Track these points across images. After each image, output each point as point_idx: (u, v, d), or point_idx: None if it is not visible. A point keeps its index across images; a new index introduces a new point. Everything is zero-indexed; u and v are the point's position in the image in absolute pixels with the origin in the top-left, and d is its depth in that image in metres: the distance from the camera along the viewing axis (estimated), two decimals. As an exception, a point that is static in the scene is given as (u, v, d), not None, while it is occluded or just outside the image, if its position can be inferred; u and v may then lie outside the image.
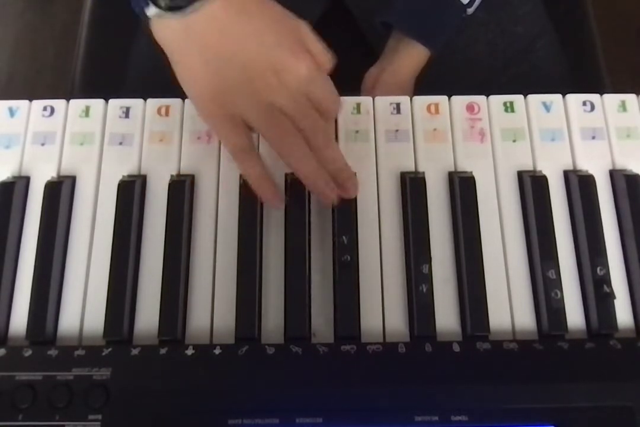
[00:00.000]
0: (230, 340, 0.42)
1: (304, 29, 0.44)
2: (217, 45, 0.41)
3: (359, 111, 0.49)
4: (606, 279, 0.43)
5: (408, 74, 0.60)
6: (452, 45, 0.62)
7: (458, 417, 0.39)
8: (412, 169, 0.47)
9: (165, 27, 0.43)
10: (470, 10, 0.60)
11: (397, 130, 0.48)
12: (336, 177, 0.44)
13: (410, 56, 0.60)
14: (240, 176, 0.46)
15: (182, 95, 0.49)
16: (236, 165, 0.45)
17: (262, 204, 0.46)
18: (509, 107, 0.49)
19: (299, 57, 0.42)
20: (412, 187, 0.46)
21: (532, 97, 0.49)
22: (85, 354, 0.40)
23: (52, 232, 0.44)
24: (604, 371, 0.40)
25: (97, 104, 0.49)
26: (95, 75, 0.70)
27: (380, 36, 0.63)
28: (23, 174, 0.47)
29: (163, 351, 0.41)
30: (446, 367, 0.40)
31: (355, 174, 0.45)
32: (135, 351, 0.40)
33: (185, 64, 0.43)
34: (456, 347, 0.41)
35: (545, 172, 0.47)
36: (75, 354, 0.40)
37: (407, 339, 0.42)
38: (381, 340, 0.43)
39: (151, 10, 0.41)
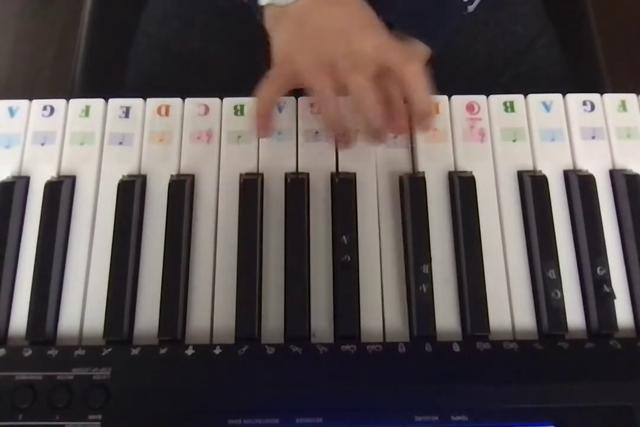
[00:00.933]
0: (230, 340, 0.42)
1: (379, 22, 0.50)
2: (307, 20, 0.49)
3: (359, 111, 0.49)
4: (606, 279, 0.43)
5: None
6: (452, 45, 0.62)
7: (458, 417, 0.39)
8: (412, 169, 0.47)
9: (271, 11, 0.52)
10: (470, 8, 0.60)
11: (397, 130, 0.48)
12: (367, 131, 0.46)
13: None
14: (240, 176, 0.46)
15: (182, 95, 0.50)
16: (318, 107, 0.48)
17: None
18: (509, 107, 0.49)
19: (369, 38, 0.47)
20: (412, 187, 0.46)
21: (532, 97, 0.49)
22: (85, 354, 0.40)
23: (52, 232, 0.44)
24: (604, 371, 0.40)
25: (97, 103, 0.49)
26: (95, 75, 0.70)
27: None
28: (23, 174, 0.47)
29: (163, 351, 0.41)
30: (446, 367, 0.40)
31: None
32: (135, 351, 0.40)
33: (281, 35, 0.50)
34: (456, 347, 0.41)
35: (545, 172, 0.47)
36: (75, 354, 0.40)
37: (407, 339, 0.42)
38: (381, 340, 0.43)
39: (263, 1, 0.51)
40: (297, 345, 0.41)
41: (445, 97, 0.50)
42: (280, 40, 0.50)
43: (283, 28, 0.50)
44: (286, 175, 0.47)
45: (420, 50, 0.55)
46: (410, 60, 0.47)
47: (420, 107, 0.45)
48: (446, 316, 0.43)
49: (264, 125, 0.47)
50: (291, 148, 0.48)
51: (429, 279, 0.43)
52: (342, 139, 0.47)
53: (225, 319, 0.43)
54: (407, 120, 0.47)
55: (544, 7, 0.68)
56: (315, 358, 0.40)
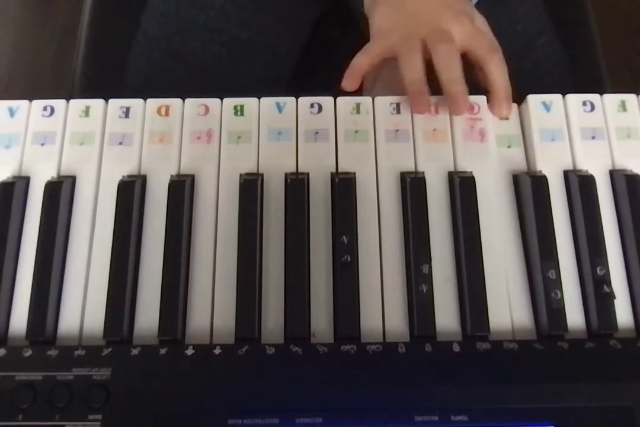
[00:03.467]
0: (230, 340, 0.42)
1: (471, 9, 0.54)
2: (403, 4, 0.54)
3: (358, 111, 0.49)
4: (606, 279, 0.43)
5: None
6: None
7: (458, 417, 0.39)
8: (412, 169, 0.47)
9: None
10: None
11: (397, 130, 0.48)
12: (449, 90, 0.49)
13: None
14: (240, 176, 0.47)
15: (182, 95, 0.50)
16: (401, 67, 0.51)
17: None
18: (509, 107, 0.49)
19: (458, 23, 0.52)
20: (412, 187, 0.46)
21: (531, 97, 0.49)
22: (85, 354, 0.40)
23: (52, 232, 0.44)
24: (604, 371, 0.40)
25: (97, 104, 0.49)
26: (95, 75, 0.70)
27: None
28: (23, 174, 0.47)
29: (163, 351, 0.41)
30: (446, 367, 0.40)
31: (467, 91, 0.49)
32: (135, 351, 0.41)
33: (379, 16, 0.55)
34: (456, 347, 0.41)
35: (545, 172, 0.47)
36: (75, 354, 0.40)
37: (407, 339, 0.42)
38: (381, 340, 0.43)
39: None
40: (297, 345, 0.41)
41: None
42: (378, 20, 0.54)
43: (381, 10, 0.54)
44: (286, 175, 0.47)
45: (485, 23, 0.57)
46: (495, 50, 0.51)
47: (501, 93, 0.49)
48: (446, 316, 0.43)
49: (353, 81, 0.52)
50: (291, 148, 0.48)
51: (429, 279, 0.43)
52: (419, 100, 0.49)
53: (225, 319, 0.43)
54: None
55: (543, 6, 0.68)
56: (315, 358, 0.40)
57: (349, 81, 0.52)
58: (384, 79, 0.59)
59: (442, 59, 0.49)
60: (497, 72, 0.50)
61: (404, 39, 0.51)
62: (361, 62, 0.53)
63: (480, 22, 0.54)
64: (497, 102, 0.49)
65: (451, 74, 0.49)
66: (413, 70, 0.50)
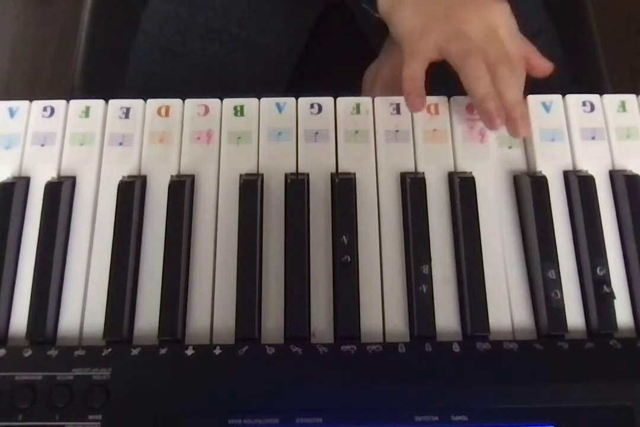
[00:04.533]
0: (230, 340, 0.42)
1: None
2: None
3: (358, 111, 0.49)
4: (606, 279, 0.43)
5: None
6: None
7: (458, 417, 0.39)
8: (412, 169, 0.47)
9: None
10: None
11: (396, 131, 0.48)
12: (509, 111, 0.46)
13: None
14: (240, 176, 0.47)
15: (182, 95, 0.50)
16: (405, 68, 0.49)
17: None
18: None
19: (497, 4, 0.50)
20: (412, 187, 0.46)
21: (531, 97, 0.49)
22: (85, 354, 0.40)
23: (52, 233, 0.44)
24: (604, 371, 0.40)
25: (97, 104, 0.49)
26: (95, 75, 0.70)
27: (380, 36, 0.63)
28: (23, 174, 0.47)
29: (163, 351, 0.41)
30: (446, 367, 0.40)
31: (528, 114, 0.48)
32: (135, 351, 0.41)
33: (405, 12, 0.51)
34: (456, 347, 0.41)
35: (545, 173, 0.47)
36: (75, 354, 0.40)
37: (407, 339, 0.42)
38: (381, 340, 0.43)
39: None
40: (297, 345, 0.41)
41: (445, 97, 0.50)
42: (406, 17, 0.50)
43: (405, 8, 0.50)
44: (286, 175, 0.47)
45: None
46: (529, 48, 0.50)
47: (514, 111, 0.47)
48: (446, 316, 0.43)
49: (419, 101, 0.47)
50: (291, 148, 0.48)
51: (429, 279, 0.43)
52: (494, 116, 0.46)
53: (225, 319, 0.43)
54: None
55: (543, 6, 0.68)
56: (315, 358, 0.40)
57: (417, 100, 0.47)
58: (384, 79, 0.59)
59: (506, 79, 0.47)
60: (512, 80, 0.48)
61: (452, 42, 0.48)
62: (415, 71, 0.48)
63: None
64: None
65: (515, 96, 0.47)
66: (482, 88, 0.46)
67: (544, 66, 0.50)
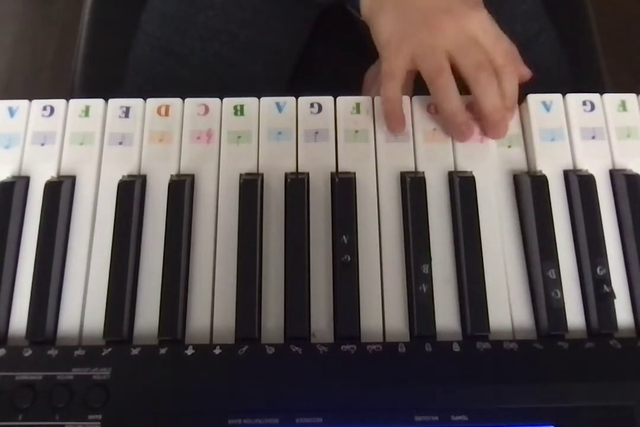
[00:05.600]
0: (230, 340, 0.42)
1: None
2: (409, 2, 0.50)
3: (358, 111, 0.49)
4: (606, 279, 0.43)
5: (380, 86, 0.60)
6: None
7: (458, 417, 0.39)
8: (412, 168, 0.47)
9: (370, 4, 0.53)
10: None
11: (397, 130, 0.48)
12: (487, 117, 0.47)
13: None
14: (240, 176, 0.46)
15: (182, 95, 0.50)
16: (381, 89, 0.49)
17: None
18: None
19: (476, 11, 0.49)
20: (412, 187, 0.46)
21: (531, 97, 0.49)
22: (85, 354, 0.40)
23: (51, 232, 0.44)
24: (604, 371, 0.40)
25: (97, 103, 0.49)
26: (95, 75, 0.70)
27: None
28: (23, 174, 0.47)
29: (163, 351, 0.41)
30: (446, 367, 0.40)
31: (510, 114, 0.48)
32: (135, 351, 0.40)
33: (383, 21, 0.51)
34: (456, 347, 0.41)
35: (545, 172, 0.47)
36: (75, 354, 0.40)
37: (407, 339, 0.42)
38: (381, 340, 0.43)
39: None
40: (297, 345, 0.41)
41: (445, 97, 0.49)
42: (385, 24, 0.50)
43: (385, 14, 0.50)
44: (286, 175, 0.47)
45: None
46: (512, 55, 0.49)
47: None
48: (446, 316, 0.43)
49: (397, 124, 0.48)
50: (291, 148, 0.48)
51: (429, 279, 0.43)
52: (463, 130, 0.47)
53: (225, 319, 0.43)
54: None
55: (543, 6, 0.68)
56: (315, 358, 0.40)
57: (396, 123, 0.48)
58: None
59: (481, 87, 0.47)
60: (511, 84, 0.48)
61: (426, 57, 0.48)
62: (392, 91, 0.48)
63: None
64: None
65: (488, 103, 0.47)
66: (451, 105, 0.47)
67: (523, 73, 0.50)
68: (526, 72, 0.50)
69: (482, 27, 0.49)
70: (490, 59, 0.48)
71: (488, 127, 0.47)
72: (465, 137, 0.47)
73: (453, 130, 0.48)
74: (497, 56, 0.48)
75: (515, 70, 0.49)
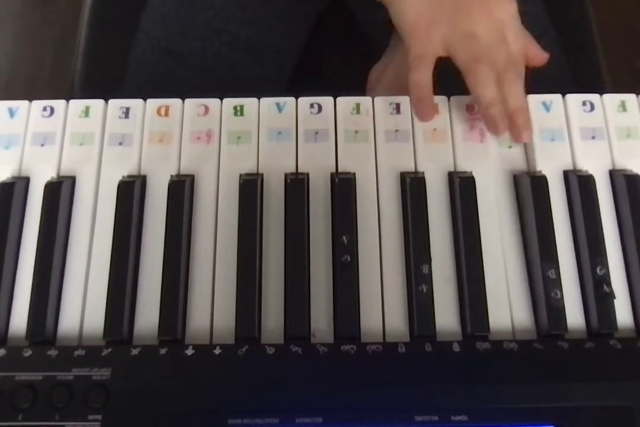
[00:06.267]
0: (230, 340, 0.42)
1: None
2: None
3: (358, 111, 0.49)
4: (606, 279, 0.43)
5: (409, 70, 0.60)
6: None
7: (458, 417, 0.39)
8: (412, 169, 0.47)
9: None
10: None
11: (396, 131, 0.48)
12: (513, 116, 0.47)
13: None
14: (240, 176, 0.46)
15: (182, 95, 0.50)
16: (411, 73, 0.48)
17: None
18: (509, 107, 0.49)
19: (503, 8, 0.49)
20: (412, 187, 0.46)
21: (531, 97, 0.49)
22: (85, 354, 0.40)
23: (52, 233, 0.44)
24: (604, 371, 0.40)
25: (96, 104, 0.49)
26: (95, 75, 0.70)
27: (382, 34, 0.63)
28: (23, 174, 0.47)
29: (163, 351, 0.41)
30: (446, 367, 0.40)
31: (530, 119, 0.47)
32: (135, 351, 0.41)
33: (411, 3, 0.49)
34: (456, 347, 0.41)
35: (545, 172, 0.47)
36: (75, 354, 0.40)
37: (407, 339, 0.42)
38: (381, 340, 0.43)
39: None
40: (297, 345, 0.41)
41: (445, 97, 0.49)
42: (411, 10, 0.49)
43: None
44: (286, 175, 0.47)
45: None
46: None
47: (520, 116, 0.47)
48: (446, 316, 0.43)
49: (428, 111, 0.47)
50: (291, 148, 0.48)
51: (429, 278, 0.43)
52: (498, 122, 0.46)
53: (225, 319, 0.43)
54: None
55: (543, 6, 0.68)
56: (315, 358, 0.40)
57: (427, 110, 0.47)
58: (390, 78, 0.59)
59: (512, 87, 0.47)
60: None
61: (459, 44, 0.47)
62: (423, 76, 0.47)
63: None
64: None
65: (519, 102, 0.47)
66: (490, 89, 0.46)
67: (540, 57, 0.51)
68: (544, 57, 0.51)
69: (510, 20, 0.49)
70: (513, 57, 0.48)
71: (512, 127, 0.47)
72: (499, 130, 0.47)
73: (487, 122, 0.47)
74: (517, 53, 0.48)
75: (523, 67, 0.49)
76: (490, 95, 0.47)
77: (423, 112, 0.47)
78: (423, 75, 0.47)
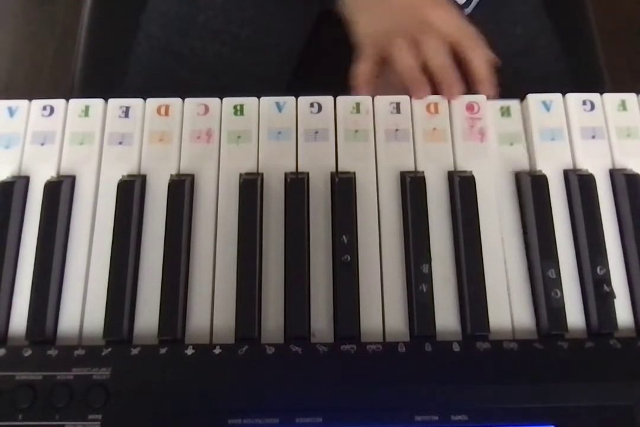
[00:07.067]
0: (230, 340, 0.42)
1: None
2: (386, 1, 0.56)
3: (358, 111, 0.49)
4: (606, 279, 0.43)
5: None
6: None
7: (458, 417, 0.39)
8: (412, 168, 0.47)
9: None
10: (467, 11, 0.60)
11: (396, 130, 0.48)
12: (437, 76, 0.50)
13: None
14: (240, 176, 0.46)
15: (182, 95, 0.50)
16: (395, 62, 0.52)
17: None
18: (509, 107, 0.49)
19: (441, 12, 0.54)
20: (412, 186, 0.46)
21: (531, 97, 0.49)
22: (85, 354, 0.40)
23: (51, 232, 0.44)
24: (604, 371, 0.40)
25: (96, 103, 0.49)
26: (95, 75, 0.70)
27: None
28: (23, 173, 0.47)
29: (163, 351, 0.41)
30: (446, 367, 0.40)
31: (455, 76, 0.50)
32: (135, 351, 0.40)
33: (363, 18, 0.56)
34: (456, 347, 0.41)
35: (545, 172, 0.47)
36: (75, 354, 0.40)
37: (407, 339, 0.42)
38: (381, 340, 0.43)
39: None
40: (297, 345, 0.41)
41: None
42: (363, 26, 0.56)
43: (365, 16, 0.56)
44: (286, 175, 0.47)
45: None
46: (474, 38, 0.52)
47: (483, 79, 0.51)
48: (446, 315, 0.43)
49: (422, 87, 0.50)
50: (291, 148, 0.48)
51: (429, 278, 0.43)
52: (416, 86, 0.50)
53: (225, 319, 0.43)
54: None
55: (543, 7, 0.68)
56: (315, 358, 0.40)
57: (360, 90, 0.52)
58: (385, 80, 0.59)
59: (430, 47, 0.51)
60: (479, 61, 0.51)
61: (390, 36, 0.52)
62: (360, 70, 0.53)
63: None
64: (481, 83, 0.51)
65: (440, 60, 0.50)
66: (404, 59, 0.51)
67: (474, 42, 0.53)
68: (491, 56, 0.53)
69: (441, 17, 0.53)
70: (431, 25, 0.52)
71: (440, 85, 0.50)
72: (420, 91, 0.49)
73: (410, 86, 0.50)
74: (449, 25, 0.52)
75: (481, 48, 0.52)
76: (406, 61, 0.51)
77: (419, 88, 0.50)
78: (406, 59, 0.52)
